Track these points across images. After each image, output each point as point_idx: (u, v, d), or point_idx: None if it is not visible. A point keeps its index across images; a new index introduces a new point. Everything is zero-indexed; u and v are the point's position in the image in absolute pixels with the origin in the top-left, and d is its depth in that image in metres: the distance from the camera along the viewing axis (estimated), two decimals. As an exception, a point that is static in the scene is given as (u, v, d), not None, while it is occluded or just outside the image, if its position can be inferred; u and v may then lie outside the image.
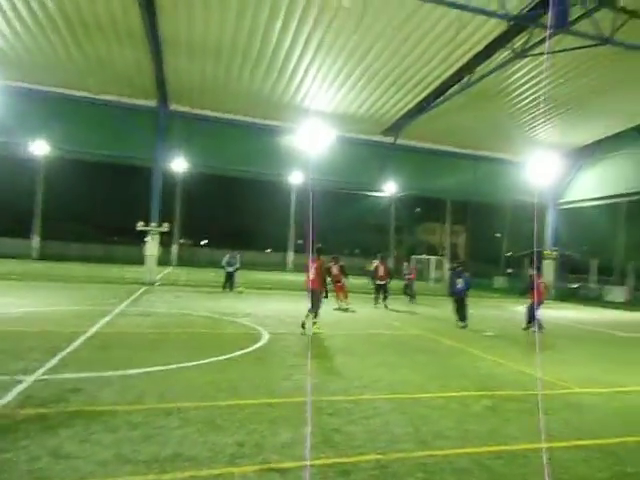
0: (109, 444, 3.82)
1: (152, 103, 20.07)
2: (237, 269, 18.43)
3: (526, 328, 12.03)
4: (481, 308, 17.41)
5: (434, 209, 49.82)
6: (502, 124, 21.37)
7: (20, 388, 5.07)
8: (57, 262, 32.53)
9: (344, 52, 15.83)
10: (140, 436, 4.01)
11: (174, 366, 6.42)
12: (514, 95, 18.57)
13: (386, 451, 4.00)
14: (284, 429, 4.34)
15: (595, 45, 13.18)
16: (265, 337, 9.04)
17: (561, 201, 26.41)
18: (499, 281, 34.68)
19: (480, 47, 15.14)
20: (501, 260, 48.37)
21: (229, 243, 31.03)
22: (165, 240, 25.19)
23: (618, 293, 25.40)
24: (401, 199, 39.54)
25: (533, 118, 20.68)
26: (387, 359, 7.80)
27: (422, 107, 19.61)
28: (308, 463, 3.64)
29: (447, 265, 38.42)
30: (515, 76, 17.18)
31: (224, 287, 18.19)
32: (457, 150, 24.48)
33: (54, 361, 6.28)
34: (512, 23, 13.03)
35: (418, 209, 56.87)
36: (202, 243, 53.86)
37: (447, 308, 12.64)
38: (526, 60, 15.61)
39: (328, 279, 12.21)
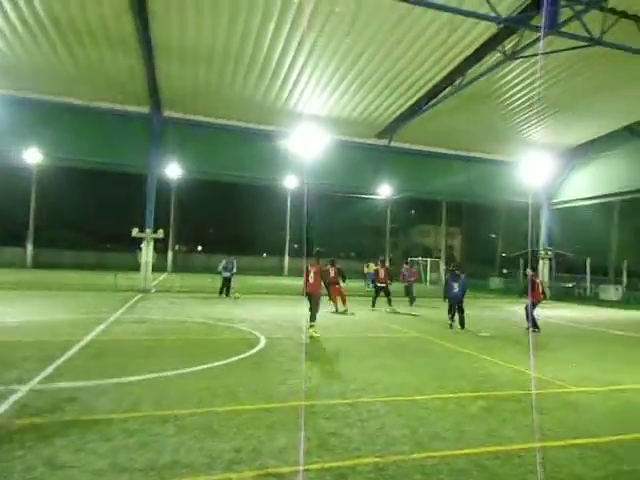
0: (105, 453, 3.79)
1: (145, 109, 20.04)
2: (234, 274, 18.41)
3: (530, 328, 11.98)
4: (477, 309, 17.46)
5: (429, 211, 49.94)
6: (494, 125, 21.50)
7: (15, 397, 5.03)
8: (51, 270, 32.31)
9: (336, 56, 15.89)
10: (136, 444, 3.98)
11: (170, 373, 6.39)
12: (506, 97, 18.70)
13: (383, 454, 4.00)
14: (281, 434, 4.33)
15: (586, 46, 13.27)
16: (262, 342, 9.02)
17: (555, 201, 26.57)
18: (495, 282, 34.74)
19: (471, 50, 15.25)
20: (496, 261, 48.55)
21: (225, 248, 30.95)
22: (160, 246, 25.06)
23: (612, 292, 25.50)
24: (396, 201, 39.62)
25: (525, 119, 20.82)
26: (384, 362, 7.79)
27: (415, 110, 19.70)
28: (305, 468, 3.64)
29: (443, 267, 38.58)
30: (506, 78, 17.31)
31: (220, 292, 18.17)
32: (450, 152, 24.56)
33: (49, 370, 6.24)
34: (502, 26, 13.13)
35: (413, 211, 57.01)
36: (198, 249, 53.71)
37: (444, 310, 12.66)
38: (517, 62, 15.74)
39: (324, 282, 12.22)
